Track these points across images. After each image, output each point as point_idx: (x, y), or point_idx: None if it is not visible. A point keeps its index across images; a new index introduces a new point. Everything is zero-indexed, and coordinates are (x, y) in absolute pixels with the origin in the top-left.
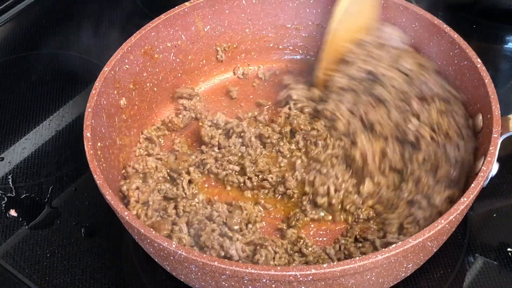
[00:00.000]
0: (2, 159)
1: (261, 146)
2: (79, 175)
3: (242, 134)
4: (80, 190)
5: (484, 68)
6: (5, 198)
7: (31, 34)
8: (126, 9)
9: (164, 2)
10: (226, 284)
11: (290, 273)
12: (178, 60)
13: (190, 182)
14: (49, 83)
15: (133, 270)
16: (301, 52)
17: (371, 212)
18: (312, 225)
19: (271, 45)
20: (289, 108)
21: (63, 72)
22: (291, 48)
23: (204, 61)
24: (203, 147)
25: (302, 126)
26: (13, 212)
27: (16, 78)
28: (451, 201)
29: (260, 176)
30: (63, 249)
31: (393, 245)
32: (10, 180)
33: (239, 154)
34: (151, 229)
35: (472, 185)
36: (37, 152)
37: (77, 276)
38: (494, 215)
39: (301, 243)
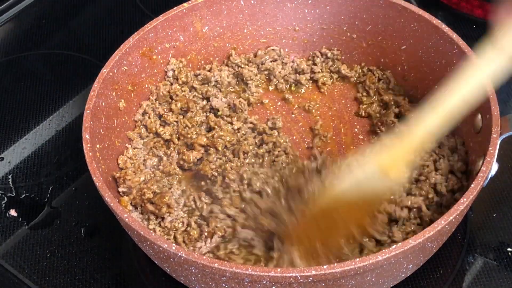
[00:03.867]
0: (2, 159)
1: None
2: (79, 175)
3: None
4: (80, 190)
5: None
6: (5, 198)
7: (31, 34)
8: (126, 9)
9: (164, 2)
10: (226, 286)
11: (290, 274)
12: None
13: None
14: (49, 83)
15: (133, 270)
16: (299, 53)
17: None
18: None
19: (269, 46)
20: None
21: (63, 72)
22: (289, 49)
23: (202, 62)
24: None
25: None
26: (13, 212)
27: (16, 78)
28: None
29: None
30: (63, 249)
31: (393, 246)
32: (10, 180)
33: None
34: (151, 232)
35: (472, 185)
36: (37, 152)
37: (77, 276)
38: (494, 215)
39: None
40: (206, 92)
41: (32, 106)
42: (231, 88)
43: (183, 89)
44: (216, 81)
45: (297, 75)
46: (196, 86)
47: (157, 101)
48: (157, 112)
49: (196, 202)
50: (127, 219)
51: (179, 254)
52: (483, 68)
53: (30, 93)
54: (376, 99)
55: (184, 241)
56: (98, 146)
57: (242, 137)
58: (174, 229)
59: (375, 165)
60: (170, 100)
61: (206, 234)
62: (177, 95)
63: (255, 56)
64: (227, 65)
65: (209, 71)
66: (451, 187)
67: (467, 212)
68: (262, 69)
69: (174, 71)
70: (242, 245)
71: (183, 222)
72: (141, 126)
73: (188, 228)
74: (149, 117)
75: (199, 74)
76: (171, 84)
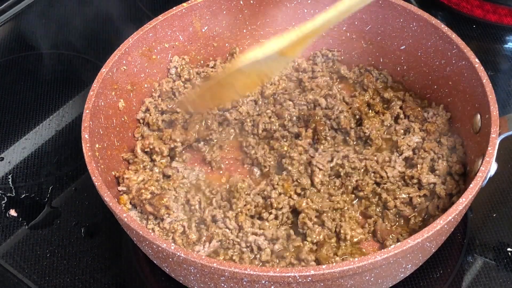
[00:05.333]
0: (2, 159)
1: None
2: (79, 175)
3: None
4: (80, 190)
5: (482, 68)
6: (5, 198)
7: (31, 34)
8: (126, 9)
9: (164, 2)
10: (225, 286)
11: (289, 274)
12: None
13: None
14: (49, 83)
15: (133, 270)
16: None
17: None
18: None
19: None
20: None
21: (63, 72)
22: None
23: (202, 62)
24: None
25: None
26: (13, 212)
27: (16, 78)
28: None
29: None
30: (63, 249)
31: (392, 246)
32: (10, 180)
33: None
34: (150, 231)
35: (471, 185)
36: (37, 152)
37: (77, 276)
38: (494, 215)
39: None
40: None
41: (32, 106)
42: None
43: (185, 85)
44: None
45: (299, 73)
46: (199, 84)
47: (159, 98)
48: (159, 109)
49: (201, 203)
50: (126, 219)
51: (178, 253)
52: None
53: (30, 93)
54: (375, 95)
55: (182, 244)
56: (97, 145)
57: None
58: (173, 230)
59: (275, 48)
60: (172, 96)
61: (204, 238)
62: (179, 92)
63: None
64: (230, 62)
65: (212, 67)
66: (449, 191)
67: (466, 212)
68: None
69: (176, 68)
70: (244, 252)
71: (182, 225)
72: (144, 125)
73: (187, 231)
74: (150, 114)
75: (202, 72)
76: (174, 81)
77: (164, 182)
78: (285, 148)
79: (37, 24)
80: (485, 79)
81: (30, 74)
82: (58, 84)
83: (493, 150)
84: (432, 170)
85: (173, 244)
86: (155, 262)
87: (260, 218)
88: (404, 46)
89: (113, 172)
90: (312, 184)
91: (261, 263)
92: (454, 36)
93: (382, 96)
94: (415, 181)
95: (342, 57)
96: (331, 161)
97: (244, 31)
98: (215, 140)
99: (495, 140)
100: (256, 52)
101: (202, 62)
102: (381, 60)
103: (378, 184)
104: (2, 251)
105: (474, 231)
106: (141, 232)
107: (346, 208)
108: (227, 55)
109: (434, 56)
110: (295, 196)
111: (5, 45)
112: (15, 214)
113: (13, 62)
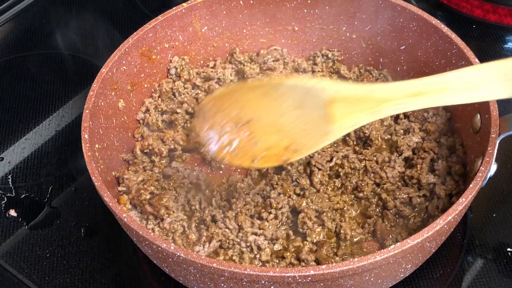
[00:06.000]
0: (2, 159)
1: None
2: (79, 175)
3: None
4: (79, 190)
5: None
6: (5, 198)
7: (31, 34)
8: (126, 9)
9: (164, 2)
10: (225, 286)
11: (289, 274)
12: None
13: None
14: (49, 83)
15: (132, 270)
16: (298, 53)
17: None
18: None
19: (269, 46)
20: None
21: (63, 72)
22: (288, 49)
23: (202, 62)
24: None
25: None
26: (13, 212)
27: (16, 78)
28: None
29: None
30: (63, 249)
31: (392, 246)
32: (10, 180)
33: None
34: (150, 231)
35: (471, 185)
36: (37, 152)
37: (76, 276)
38: (494, 215)
39: None
40: (209, 87)
41: (32, 106)
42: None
43: (185, 86)
44: (218, 78)
45: (299, 73)
46: (199, 84)
47: (159, 98)
48: (159, 109)
49: (201, 203)
50: (125, 219)
51: (178, 253)
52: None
53: (30, 93)
54: None
55: (182, 244)
56: (97, 146)
57: None
58: (173, 230)
59: (326, 100)
60: (172, 96)
61: (204, 238)
62: (179, 92)
63: (258, 55)
64: (230, 62)
65: (213, 67)
66: (449, 191)
67: (466, 212)
68: (264, 68)
69: (176, 68)
70: (244, 252)
71: (182, 225)
72: (143, 126)
73: (187, 231)
74: (149, 115)
75: (202, 72)
76: (174, 81)
77: (164, 182)
78: None
79: (37, 24)
80: None
81: (30, 74)
82: (58, 84)
83: (492, 150)
84: (432, 170)
85: (173, 244)
86: (155, 262)
87: (260, 218)
88: (404, 46)
89: (113, 173)
90: (311, 184)
91: (261, 263)
92: (454, 36)
93: None
94: (414, 181)
95: (342, 57)
96: (330, 161)
97: (244, 31)
98: None
99: (495, 140)
100: (302, 79)
101: (202, 62)
102: (381, 60)
103: (377, 184)
104: (2, 251)
105: (474, 231)
106: (141, 232)
107: (345, 208)
108: (227, 55)
109: (434, 56)
110: (294, 196)
111: (5, 45)
112: (15, 214)
113: (13, 62)
